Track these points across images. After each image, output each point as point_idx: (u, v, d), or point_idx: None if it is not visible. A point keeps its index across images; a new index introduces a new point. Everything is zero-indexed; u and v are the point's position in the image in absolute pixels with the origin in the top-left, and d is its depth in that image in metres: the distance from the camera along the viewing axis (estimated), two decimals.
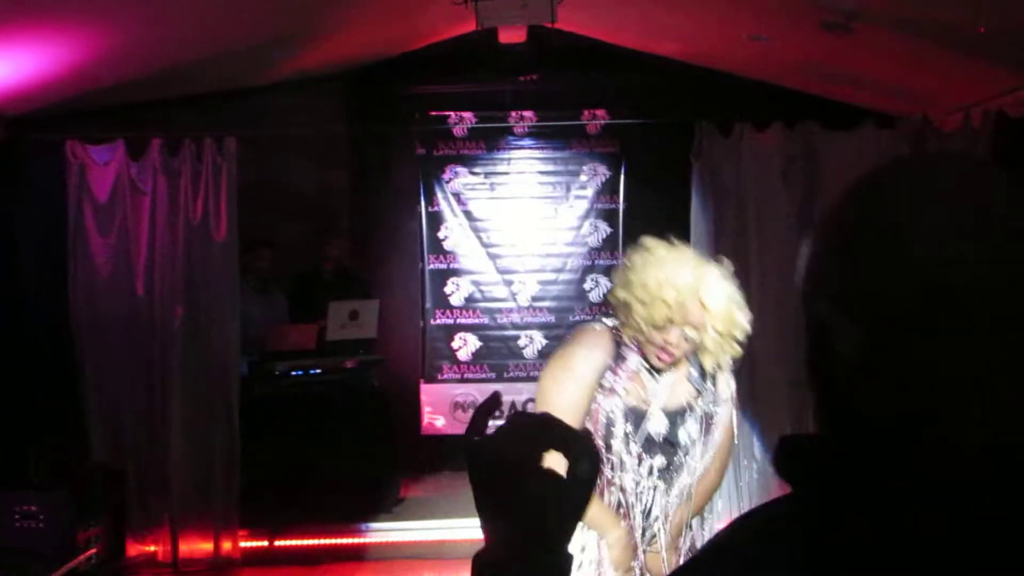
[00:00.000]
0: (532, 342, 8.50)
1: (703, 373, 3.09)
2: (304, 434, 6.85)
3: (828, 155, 6.63)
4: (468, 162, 8.48)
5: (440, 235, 8.47)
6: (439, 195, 8.45)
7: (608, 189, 8.47)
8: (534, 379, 8.44)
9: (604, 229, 8.47)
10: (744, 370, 3.24)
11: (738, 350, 2.99)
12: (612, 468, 3.05)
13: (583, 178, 8.49)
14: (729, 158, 6.71)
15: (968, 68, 6.21)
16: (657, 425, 3.03)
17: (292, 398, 6.94)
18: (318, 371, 7.10)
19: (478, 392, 8.46)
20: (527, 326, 8.50)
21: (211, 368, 6.60)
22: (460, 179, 8.47)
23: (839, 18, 5.59)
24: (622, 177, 8.45)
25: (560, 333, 8.45)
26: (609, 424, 3.01)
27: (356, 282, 7.92)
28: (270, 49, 6.73)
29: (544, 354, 8.41)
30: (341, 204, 8.40)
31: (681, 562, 3.03)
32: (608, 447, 3.02)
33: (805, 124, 6.67)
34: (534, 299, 8.50)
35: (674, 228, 7.06)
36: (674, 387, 3.07)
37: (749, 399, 6.25)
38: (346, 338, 7.13)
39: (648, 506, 3.08)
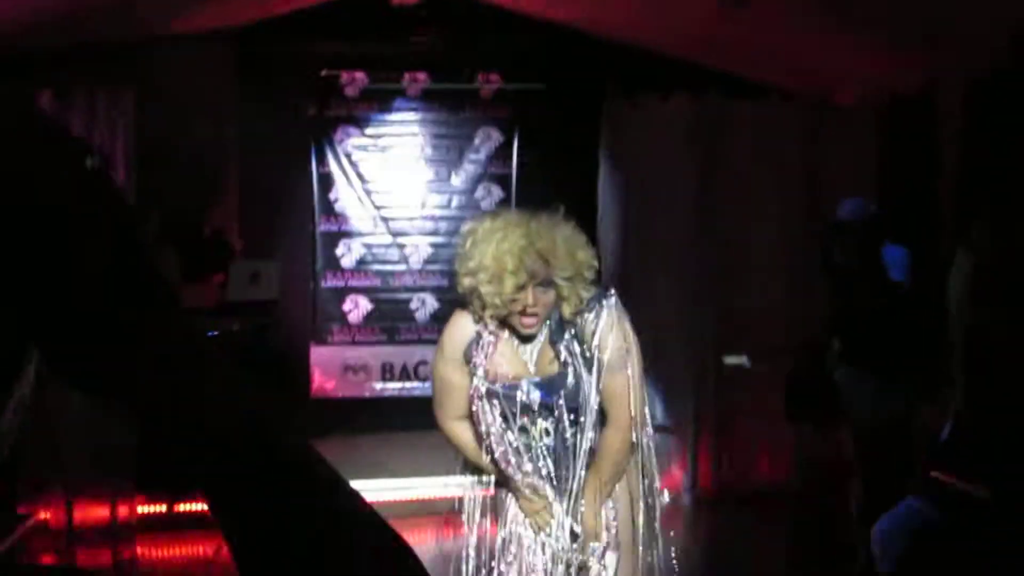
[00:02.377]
0: (424, 305, 8.49)
1: (564, 333, 3.11)
2: None
3: (731, 126, 6.85)
4: (360, 123, 8.38)
5: (331, 196, 8.36)
6: (330, 156, 8.34)
7: (501, 153, 8.51)
8: (426, 342, 8.59)
9: (497, 193, 8.51)
10: (646, 338, 3.27)
11: (591, 288, 3.02)
12: (504, 441, 3.15)
13: (476, 142, 8.50)
14: (636, 126, 6.85)
15: (865, 45, 6.50)
16: (532, 393, 3.10)
17: None
18: (215, 333, 6.93)
19: (369, 355, 8.42)
20: (420, 289, 8.49)
21: None
22: (352, 140, 8.37)
23: None
24: (515, 142, 8.50)
25: (453, 296, 8.48)
26: (490, 400, 3.12)
27: (244, 243, 7.76)
28: (164, 4, 6.49)
29: (437, 317, 8.44)
30: (230, 163, 8.15)
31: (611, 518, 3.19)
32: (495, 422, 3.13)
33: (708, 95, 6.87)
34: (426, 262, 8.49)
35: (571, 193, 7.23)
36: (542, 353, 3.14)
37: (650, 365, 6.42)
38: (247, 299, 6.99)
39: (548, 470, 3.16)
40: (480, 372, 3.10)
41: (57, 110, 6.22)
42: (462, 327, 3.14)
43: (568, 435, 3.13)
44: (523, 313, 2.98)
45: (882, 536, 4.25)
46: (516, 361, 3.12)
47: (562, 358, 3.09)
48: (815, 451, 6.55)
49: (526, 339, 3.11)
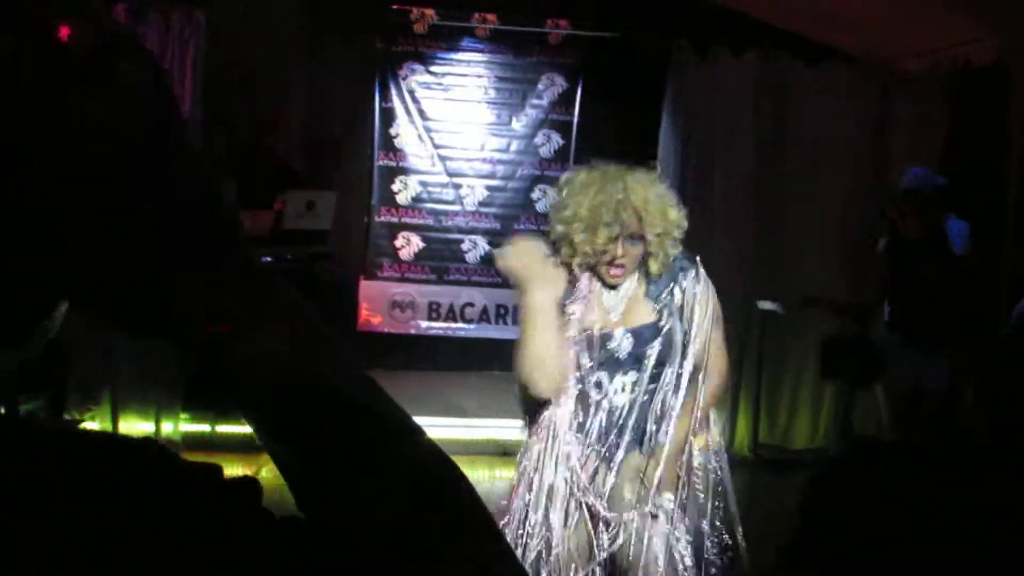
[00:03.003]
0: (476, 247, 8.50)
1: (657, 286, 3.15)
2: None
3: (797, 88, 6.75)
4: (426, 60, 8.36)
5: (392, 132, 8.37)
6: (394, 91, 8.33)
7: (564, 100, 8.45)
8: (474, 284, 8.60)
9: (557, 140, 8.47)
10: None
11: (678, 246, 3.08)
12: (589, 390, 3.14)
13: (540, 87, 8.45)
14: (704, 80, 6.77)
15: (935, 15, 6.38)
16: (622, 343, 3.12)
17: None
18: (268, 259, 6.98)
19: (417, 293, 8.45)
20: (472, 231, 8.50)
21: None
22: (416, 77, 8.35)
23: None
24: (579, 90, 8.43)
25: (505, 240, 8.47)
26: (578, 350, 3.11)
27: (303, 173, 7.79)
28: None
29: (487, 260, 8.44)
30: (296, 92, 8.17)
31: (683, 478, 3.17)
32: (580, 371, 3.12)
33: (779, 54, 6.76)
34: (481, 204, 8.49)
35: (631, 144, 7.18)
36: (632, 305, 3.16)
37: None
38: (302, 228, 7.03)
39: (622, 420, 3.15)
40: (581, 316, 3.11)
41: (131, 24, 6.23)
42: (558, 271, 3.14)
43: (644, 392, 3.15)
44: (611, 263, 3.04)
45: None
46: (601, 311, 3.15)
47: (661, 310, 3.13)
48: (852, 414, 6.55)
49: (610, 290, 3.14)
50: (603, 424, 3.15)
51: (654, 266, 3.10)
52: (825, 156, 6.74)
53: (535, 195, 8.50)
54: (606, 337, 3.12)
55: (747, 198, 6.73)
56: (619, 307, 3.15)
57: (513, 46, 8.38)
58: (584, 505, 3.14)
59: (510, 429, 6.68)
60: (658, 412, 3.16)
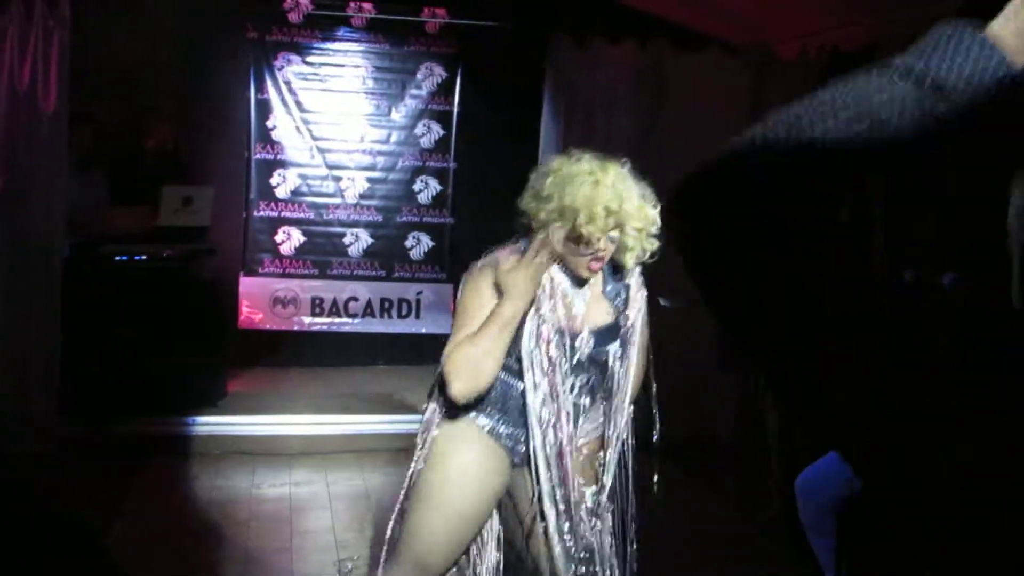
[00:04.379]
0: (358, 240, 8.39)
1: (617, 285, 3.22)
2: (128, 321, 6.55)
3: (675, 75, 6.83)
4: (302, 50, 8.18)
5: (268, 124, 8.18)
6: (269, 82, 8.14)
7: (444, 90, 8.39)
8: (357, 278, 8.50)
9: (437, 131, 8.40)
10: None
11: (654, 244, 3.10)
12: (546, 389, 3.12)
13: (419, 77, 8.36)
14: (582, 69, 6.80)
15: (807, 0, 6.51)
16: (586, 344, 3.13)
17: (117, 284, 6.61)
18: (143, 257, 6.78)
19: (299, 288, 8.32)
20: (354, 223, 8.38)
21: (30, 250, 6.20)
22: (292, 67, 8.18)
23: None
24: (458, 80, 8.38)
25: (387, 233, 8.41)
26: (548, 345, 3.09)
27: (177, 168, 7.58)
28: None
29: (369, 253, 8.36)
30: (167, 84, 7.93)
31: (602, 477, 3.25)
32: (541, 368, 3.10)
33: (657, 41, 6.82)
34: (362, 196, 8.37)
35: (512, 134, 7.17)
36: (595, 304, 3.18)
37: None
38: (179, 224, 6.83)
39: (579, 421, 3.21)
40: (547, 314, 3.07)
41: None
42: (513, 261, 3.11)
43: (598, 395, 3.21)
44: (593, 257, 3.03)
45: (804, 486, 4.33)
46: (566, 310, 3.13)
47: (616, 310, 3.18)
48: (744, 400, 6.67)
49: (577, 288, 3.13)
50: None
51: (629, 260, 3.13)
52: (701, 142, 6.81)
53: (416, 186, 8.42)
54: (573, 337, 3.11)
55: None
56: (582, 307, 3.14)
57: (390, 35, 8.27)
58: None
59: (399, 424, 6.67)
60: (611, 410, 3.23)
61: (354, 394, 7.55)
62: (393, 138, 8.38)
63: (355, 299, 8.39)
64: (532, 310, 3.05)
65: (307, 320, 8.36)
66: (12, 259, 6.16)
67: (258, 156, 8.18)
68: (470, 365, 2.94)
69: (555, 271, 3.09)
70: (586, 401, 3.19)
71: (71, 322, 6.31)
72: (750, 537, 5.57)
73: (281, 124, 8.19)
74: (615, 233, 3.02)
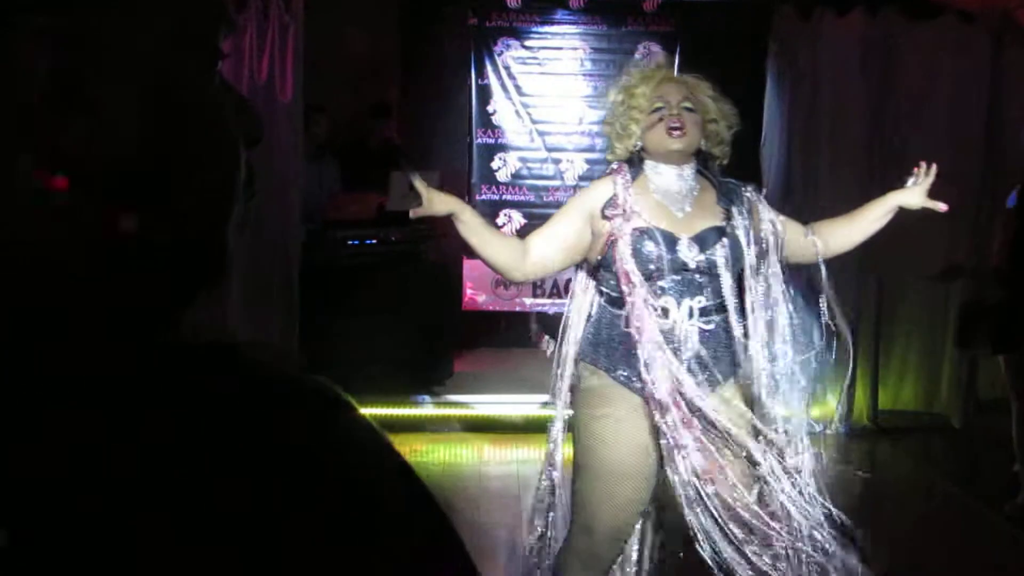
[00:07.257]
0: None
1: (727, 194, 3.06)
2: (359, 304, 6.81)
3: (907, 45, 6.55)
4: (520, 35, 8.29)
5: (489, 109, 8.32)
6: (489, 68, 8.28)
7: None
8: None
9: None
10: None
11: (729, 140, 3.11)
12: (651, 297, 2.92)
13: (637, 57, 8.31)
14: (807, 42, 6.60)
15: None
16: (692, 248, 2.93)
17: (349, 268, 6.89)
18: (373, 241, 7.04)
19: None
20: None
21: (266, 236, 6.52)
22: (511, 52, 8.29)
23: None
24: (676, 58, 8.28)
25: None
26: (635, 248, 2.91)
27: (401, 157, 7.81)
28: None
29: None
30: (391, 73, 8.19)
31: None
32: (640, 283, 2.91)
33: (886, 11, 6.55)
34: (581, 178, 8.40)
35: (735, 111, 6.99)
36: (697, 211, 3.02)
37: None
38: (407, 209, 7.02)
39: (693, 349, 2.95)
40: (639, 212, 2.95)
41: (233, 14, 6.29)
42: (605, 184, 3.10)
43: (718, 317, 2.97)
44: (671, 127, 2.96)
45: None
46: (660, 208, 3.00)
47: (729, 213, 3.01)
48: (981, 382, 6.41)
49: (675, 196, 3.01)
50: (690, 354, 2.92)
51: (716, 148, 3.08)
52: (938, 117, 6.53)
53: None
54: (671, 238, 2.92)
55: (857, 163, 6.55)
56: (684, 207, 3.00)
57: (608, 16, 8.26)
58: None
59: None
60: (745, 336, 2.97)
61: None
62: None
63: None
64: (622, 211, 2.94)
65: (528, 301, 8.47)
66: (251, 245, 6.49)
67: (479, 141, 8.34)
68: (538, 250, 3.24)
69: (656, 179, 3.02)
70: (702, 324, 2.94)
71: (307, 305, 6.61)
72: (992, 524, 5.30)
73: (501, 108, 8.32)
74: (688, 104, 2.98)
